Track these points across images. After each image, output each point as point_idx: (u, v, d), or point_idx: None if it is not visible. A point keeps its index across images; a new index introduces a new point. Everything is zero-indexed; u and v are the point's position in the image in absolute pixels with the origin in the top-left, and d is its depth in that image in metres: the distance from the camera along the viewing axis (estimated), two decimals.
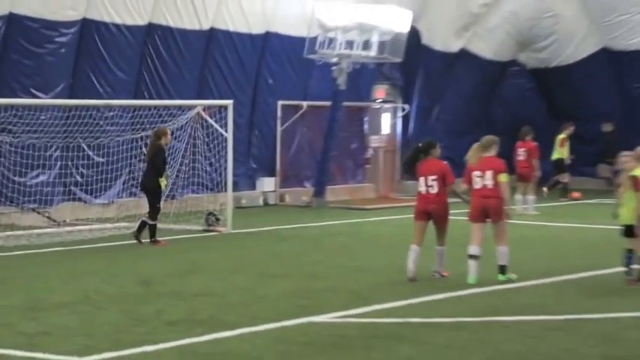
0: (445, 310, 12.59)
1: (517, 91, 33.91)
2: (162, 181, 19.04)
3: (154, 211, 18.75)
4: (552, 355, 10.29)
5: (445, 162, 15.35)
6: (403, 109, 30.51)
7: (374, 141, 29.88)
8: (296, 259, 17.18)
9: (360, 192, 28.66)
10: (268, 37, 26.40)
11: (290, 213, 24.85)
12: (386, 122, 30.48)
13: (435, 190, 14.62)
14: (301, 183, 27.87)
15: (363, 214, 24.73)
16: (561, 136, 28.18)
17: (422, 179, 14.73)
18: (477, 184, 14.61)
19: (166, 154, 19.43)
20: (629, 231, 14.50)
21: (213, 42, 25.24)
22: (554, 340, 10.99)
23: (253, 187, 26.74)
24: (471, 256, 14.51)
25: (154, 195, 18.81)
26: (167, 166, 19.39)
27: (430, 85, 30.88)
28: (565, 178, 28.38)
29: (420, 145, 15.34)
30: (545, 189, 27.16)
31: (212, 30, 25.08)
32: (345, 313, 12.29)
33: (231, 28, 25.45)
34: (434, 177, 14.65)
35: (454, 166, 30.94)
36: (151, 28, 23.84)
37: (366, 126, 29.69)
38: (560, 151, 28.14)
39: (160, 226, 19.09)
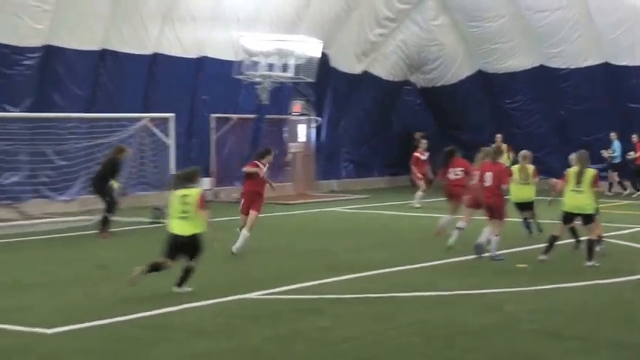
0: (356, 287, 12.61)
1: (409, 106, 34.18)
2: (115, 184, 18.77)
3: (112, 206, 18.41)
4: (440, 324, 10.39)
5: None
6: (316, 121, 30.53)
7: (292, 147, 29.83)
8: (231, 246, 17.03)
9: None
10: (202, 60, 26.22)
11: (224, 208, 24.63)
12: (302, 132, 30.46)
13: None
14: (232, 182, 27.72)
15: (286, 208, 24.60)
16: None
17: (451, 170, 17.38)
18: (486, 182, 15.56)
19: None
20: (521, 206, 17.33)
21: (157, 64, 24.99)
22: (444, 312, 11.11)
23: None
24: (457, 228, 15.94)
25: (108, 194, 18.40)
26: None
27: (338, 101, 30.95)
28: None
29: (447, 150, 17.83)
30: None
31: (155, 54, 24.84)
32: (272, 291, 12.28)
33: (171, 53, 25.23)
34: (460, 169, 17.30)
35: (355, 167, 31.73)
36: (104, 53, 23.56)
37: (285, 135, 29.65)
38: None
39: (114, 218, 18.85)
